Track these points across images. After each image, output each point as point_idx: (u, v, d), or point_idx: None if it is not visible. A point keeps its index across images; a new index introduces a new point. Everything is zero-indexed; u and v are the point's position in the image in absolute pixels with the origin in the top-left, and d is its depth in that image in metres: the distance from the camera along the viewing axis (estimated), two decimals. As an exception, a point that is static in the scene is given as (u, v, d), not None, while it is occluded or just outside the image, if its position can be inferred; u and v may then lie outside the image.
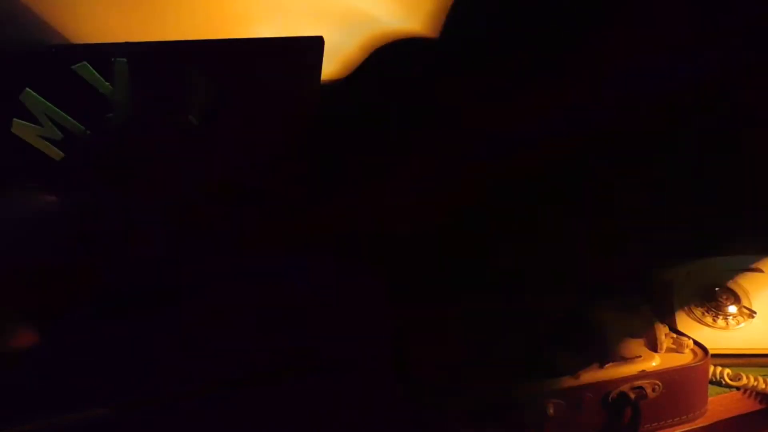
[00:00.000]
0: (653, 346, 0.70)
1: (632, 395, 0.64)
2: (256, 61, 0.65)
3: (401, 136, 0.64)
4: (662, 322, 0.73)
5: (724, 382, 0.76)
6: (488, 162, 0.63)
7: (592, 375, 0.65)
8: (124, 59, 0.60)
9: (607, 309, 0.81)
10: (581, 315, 0.78)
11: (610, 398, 0.64)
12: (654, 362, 0.67)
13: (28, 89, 0.59)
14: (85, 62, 0.60)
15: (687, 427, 0.68)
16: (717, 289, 0.87)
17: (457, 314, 0.76)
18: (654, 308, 0.77)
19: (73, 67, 0.59)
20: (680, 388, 0.67)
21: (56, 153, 0.61)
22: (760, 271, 0.90)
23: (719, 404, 0.73)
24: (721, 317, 0.84)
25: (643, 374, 0.66)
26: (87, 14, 0.74)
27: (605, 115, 0.59)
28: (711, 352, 0.70)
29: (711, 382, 0.74)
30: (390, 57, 0.63)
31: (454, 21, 0.61)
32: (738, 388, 0.76)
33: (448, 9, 0.88)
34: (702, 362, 0.68)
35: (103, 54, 0.61)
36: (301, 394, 0.47)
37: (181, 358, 0.44)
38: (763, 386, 0.74)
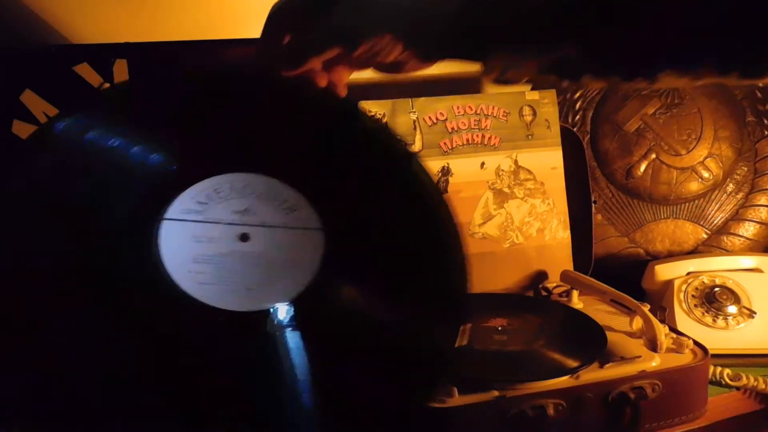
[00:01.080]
0: (653, 346, 0.70)
1: (632, 395, 0.64)
2: (256, 61, 0.65)
3: None
4: (662, 322, 0.73)
5: (724, 382, 0.76)
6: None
7: (592, 375, 0.65)
8: (124, 59, 0.61)
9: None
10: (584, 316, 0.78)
11: (610, 398, 0.64)
12: (654, 362, 0.67)
13: (28, 89, 0.59)
14: (85, 62, 0.60)
15: (687, 427, 0.68)
16: (717, 289, 0.87)
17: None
18: (654, 308, 0.77)
19: (73, 67, 0.59)
20: (680, 389, 0.67)
21: (56, 153, 0.61)
22: (760, 271, 0.90)
23: (719, 404, 0.73)
24: (721, 317, 0.84)
25: (643, 374, 0.66)
26: (87, 14, 0.74)
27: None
28: (711, 352, 0.70)
29: (711, 382, 0.74)
30: None
31: None
32: (738, 388, 0.76)
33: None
34: (702, 362, 0.68)
35: (103, 54, 0.61)
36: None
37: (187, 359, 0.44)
38: (763, 386, 0.74)
